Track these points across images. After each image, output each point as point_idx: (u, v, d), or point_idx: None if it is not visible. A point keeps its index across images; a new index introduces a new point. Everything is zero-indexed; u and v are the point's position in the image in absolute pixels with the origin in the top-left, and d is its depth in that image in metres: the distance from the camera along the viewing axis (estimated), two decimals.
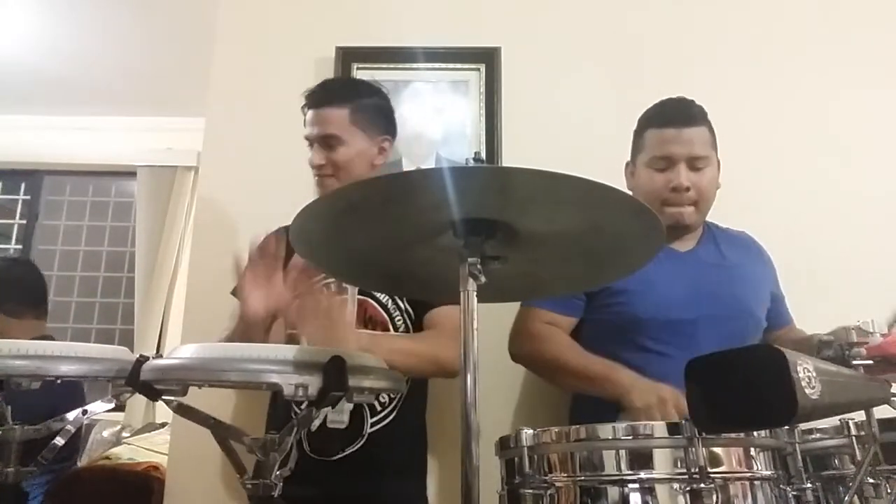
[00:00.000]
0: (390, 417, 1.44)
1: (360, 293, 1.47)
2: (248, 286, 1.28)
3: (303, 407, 0.92)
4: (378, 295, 1.49)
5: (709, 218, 1.56)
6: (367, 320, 1.46)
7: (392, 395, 1.45)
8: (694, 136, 1.42)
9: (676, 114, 1.45)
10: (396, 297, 1.48)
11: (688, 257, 1.49)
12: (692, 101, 1.48)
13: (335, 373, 0.88)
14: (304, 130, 1.52)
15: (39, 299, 2.13)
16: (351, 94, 1.53)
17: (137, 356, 0.94)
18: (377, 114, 1.56)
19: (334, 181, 1.48)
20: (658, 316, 1.41)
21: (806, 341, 1.38)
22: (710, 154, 1.45)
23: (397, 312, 1.48)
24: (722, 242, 1.55)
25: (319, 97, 1.52)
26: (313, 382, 0.88)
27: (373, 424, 1.42)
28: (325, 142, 1.49)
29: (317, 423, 1.35)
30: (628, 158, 1.55)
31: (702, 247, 1.53)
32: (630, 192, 1.32)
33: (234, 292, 1.56)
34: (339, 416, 1.36)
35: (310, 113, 1.51)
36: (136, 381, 0.91)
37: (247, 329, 1.29)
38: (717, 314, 1.40)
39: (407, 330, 1.48)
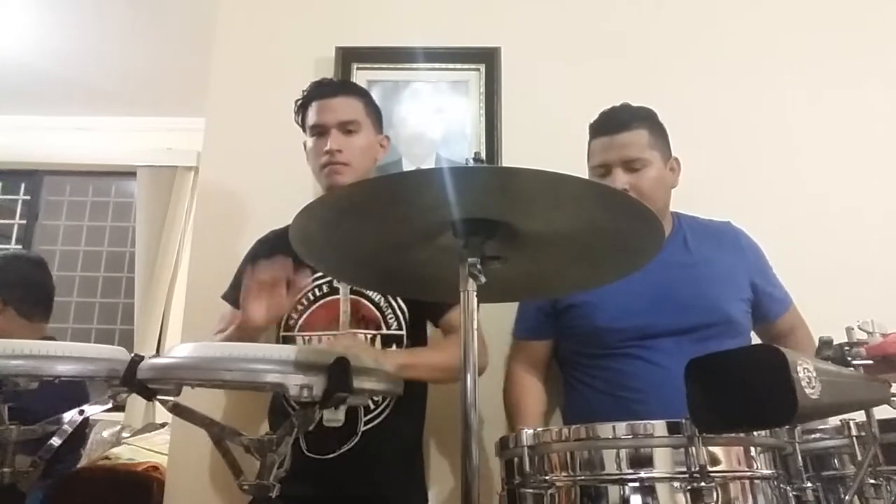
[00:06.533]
0: (384, 415, 1.44)
1: (352, 292, 1.47)
2: (251, 294, 1.27)
3: (297, 407, 0.92)
4: (370, 294, 1.48)
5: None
6: (359, 320, 1.46)
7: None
8: (627, 139, 1.45)
9: (609, 122, 1.49)
10: (390, 296, 1.48)
11: None
12: (629, 107, 1.51)
13: (340, 374, 0.88)
14: (310, 120, 1.54)
15: (50, 303, 2.13)
16: (360, 89, 1.63)
17: (132, 355, 0.94)
18: (378, 112, 1.64)
19: (347, 169, 1.48)
20: (617, 325, 1.42)
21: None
22: (646, 155, 1.45)
23: (390, 311, 1.48)
24: (692, 237, 1.53)
25: (332, 87, 1.57)
26: (318, 383, 0.88)
27: (367, 422, 1.42)
28: (343, 127, 1.51)
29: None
30: None
31: (667, 246, 1.50)
32: None
33: (225, 296, 1.56)
34: (335, 414, 1.36)
35: (321, 102, 1.54)
36: (131, 380, 0.91)
37: (242, 336, 1.30)
38: (681, 316, 1.40)
39: (400, 328, 1.47)
